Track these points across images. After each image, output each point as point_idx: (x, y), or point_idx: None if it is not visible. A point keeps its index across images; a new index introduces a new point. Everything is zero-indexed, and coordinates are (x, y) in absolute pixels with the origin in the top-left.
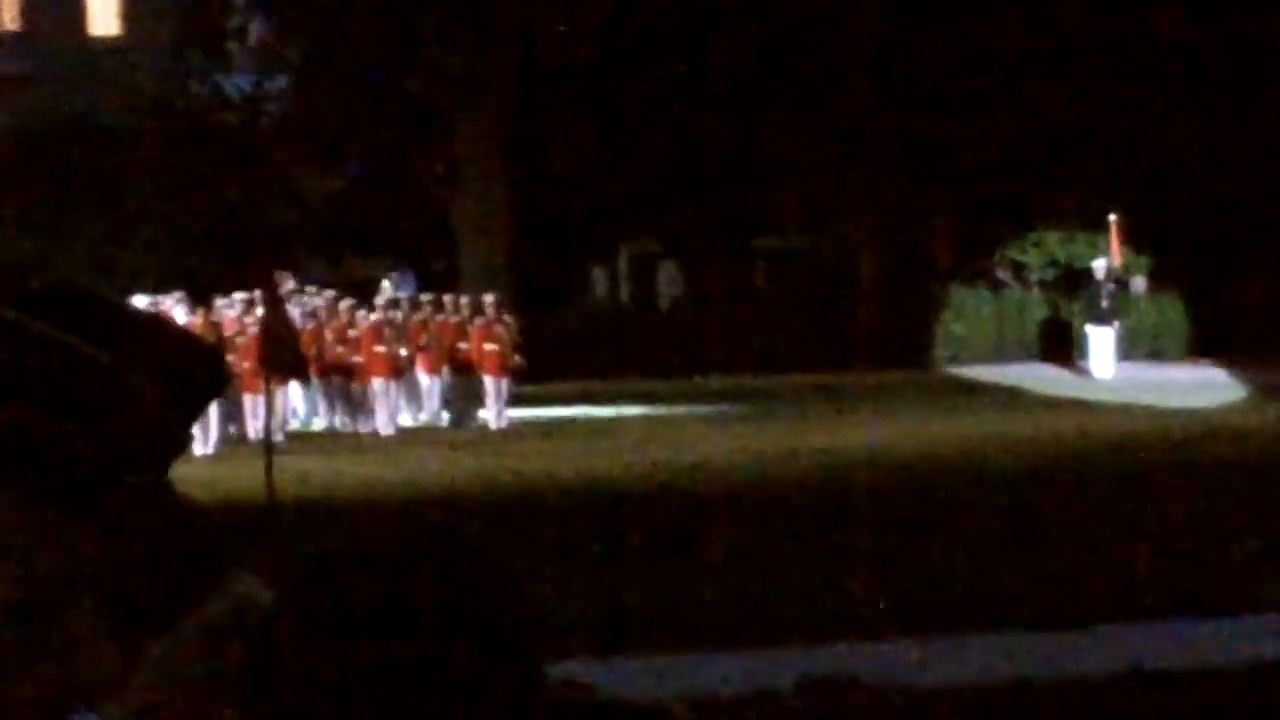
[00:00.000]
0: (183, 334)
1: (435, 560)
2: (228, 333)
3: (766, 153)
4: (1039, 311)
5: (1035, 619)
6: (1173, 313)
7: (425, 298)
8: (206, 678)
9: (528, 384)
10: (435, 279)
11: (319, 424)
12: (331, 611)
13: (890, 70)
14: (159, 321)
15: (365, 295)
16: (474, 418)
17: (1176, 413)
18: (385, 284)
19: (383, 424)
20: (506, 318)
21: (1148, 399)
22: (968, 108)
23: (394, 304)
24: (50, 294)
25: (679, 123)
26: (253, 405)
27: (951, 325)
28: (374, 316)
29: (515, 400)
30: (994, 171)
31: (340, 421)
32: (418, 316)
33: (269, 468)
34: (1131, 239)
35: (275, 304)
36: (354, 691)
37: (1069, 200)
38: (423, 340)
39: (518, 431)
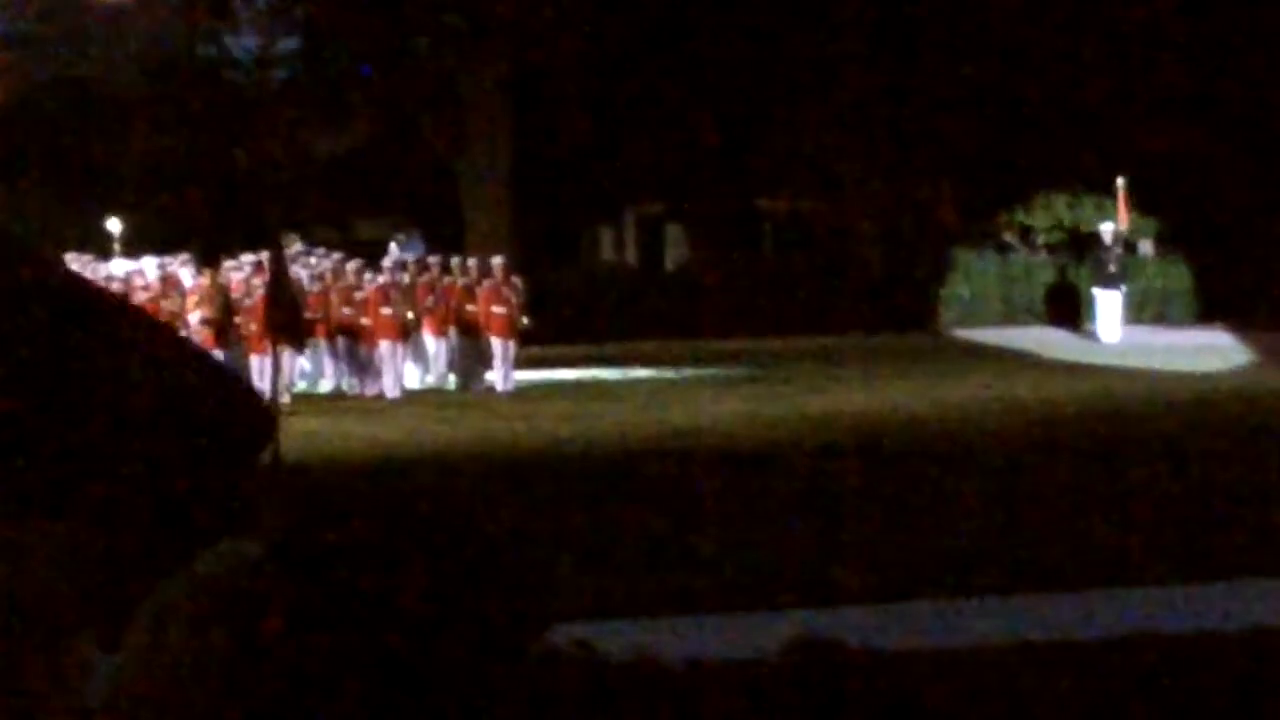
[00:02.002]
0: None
1: (434, 525)
2: (235, 294)
3: (771, 114)
4: (1045, 275)
5: (1036, 582)
6: (1180, 277)
7: (432, 260)
8: (195, 645)
9: (534, 346)
10: (442, 241)
11: (325, 386)
12: (327, 579)
13: (894, 31)
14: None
15: (372, 257)
16: (480, 380)
17: (1183, 376)
18: (392, 246)
19: (389, 386)
20: (514, 280)
21: (1154, 363)
22: (974, 70)
23: (401, 266)
24: (43, 285)
25: (685, 85)
26: (259, 366)
27: (957, 288)
28: (381, 278)
29: (522, 362)
30: (1000, 133)
31: (347, 383)
32: (424, 278)
33: (275, 429)
34: (1138, 202)
35: (278, 267)
36: (354, 642)
37: (1076, 163)
38: (429, 302)
39: (524, 394)
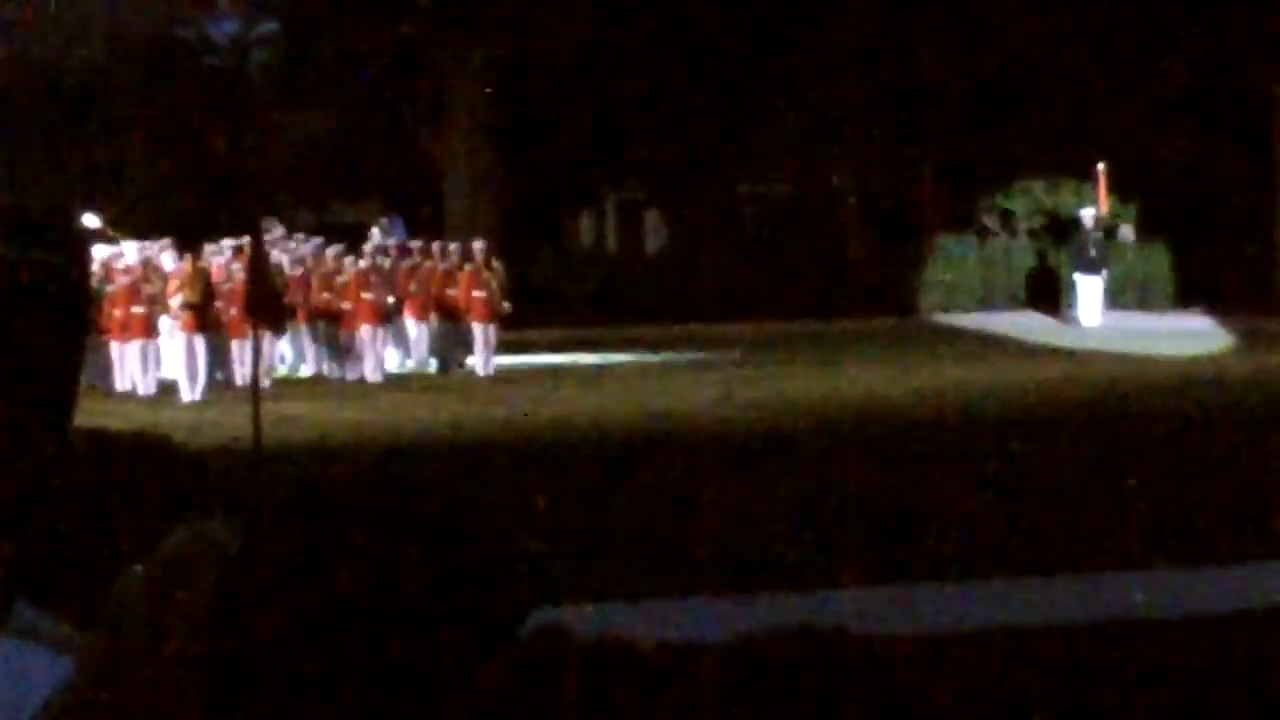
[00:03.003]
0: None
1: (416, 510)
2: (215, 279)
3: (753, 100)
4: (1026, 260)
5: (1020, 566)
6: (1159, 262)
7: (413, 244)
8: (158, 622)
9: (515, 330)
10: (423, 226)
11: (306, 370)
12: (310, 560)
13: (876, 18)
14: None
15: (353, 242)
16: (461, 364)
17: (1162, 361)
18: (374, 230)
19: (370, 370)
20: (495, 264)
21: (1134, 348)
22: (955, 55)
23: (382, 250)
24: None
25: (666, 70)
26: (240, 351)
27: (938, 273)
28: (361, 263)
29: (502, 347)
30: (981, 119)
31: (327, 368)
32: (406, 263)
33: (256, 413)
34: (1118, 188)
35: (258, 251)
36: (336, 629)
37: (1056, 148)
38: (410, 287)
39: (505, 378)
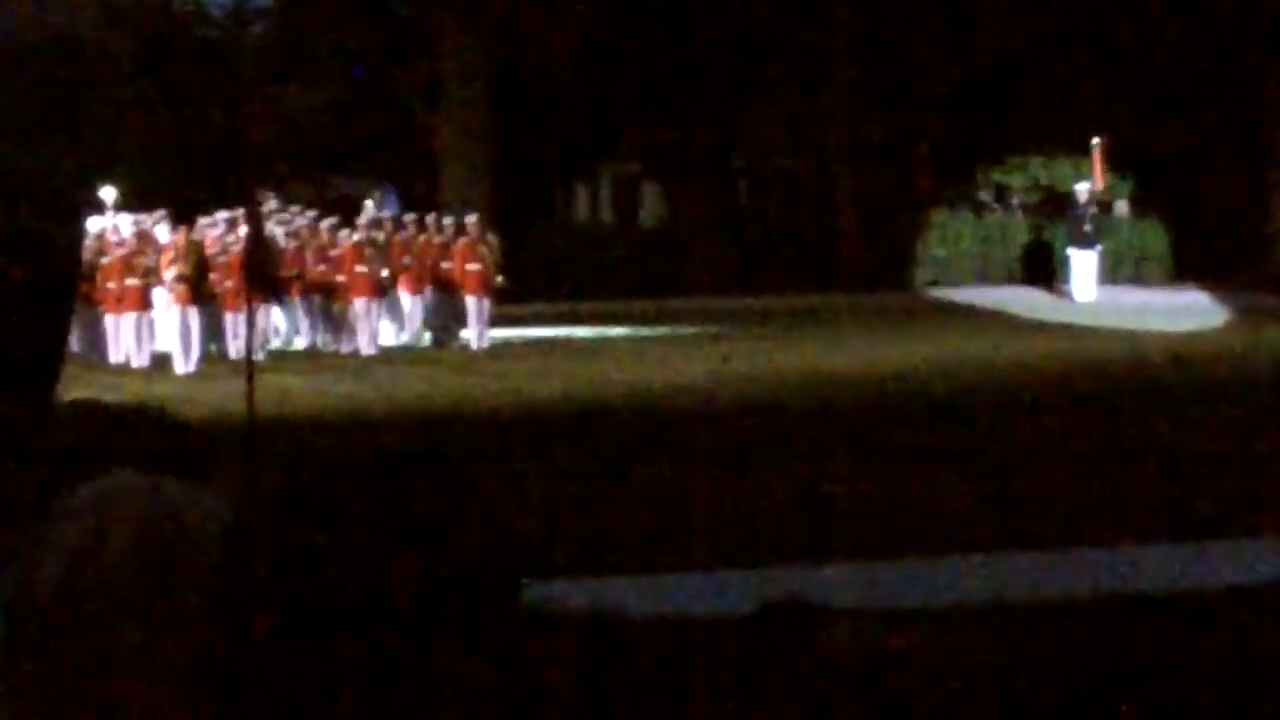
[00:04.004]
0: None
1: (412, 488)
2: (210, 251)
3: (749, 75)
4: (1021, 234)
5: (1014, 540)
6: (1155, 237)
7: (408, 217)
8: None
9: (509, 304)
10: (418, 199)
11: (300, 343)
12: (308, 531)
13: None
14: None
15: (347, 215)
16: (456, 337)
17: (1158, 336)
18: (368, 204)
19: (364, 344)
20: (489, 238)
21: (1129, 323)
22: (951, 29)
23: (376, 224)
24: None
25: (661, 43)
26: (234, 323)
27: (933, 248)
28: (356, 236)
29: (497, 320)
30: (977, 93)
31: (322, 341)
32: (400, 236)
33: (250, 386)
34: (1114, 163)
35: (255, 223)
36: (328, 610)
37: (1052, 124)
38: (405, 260)
39: (499, 351)
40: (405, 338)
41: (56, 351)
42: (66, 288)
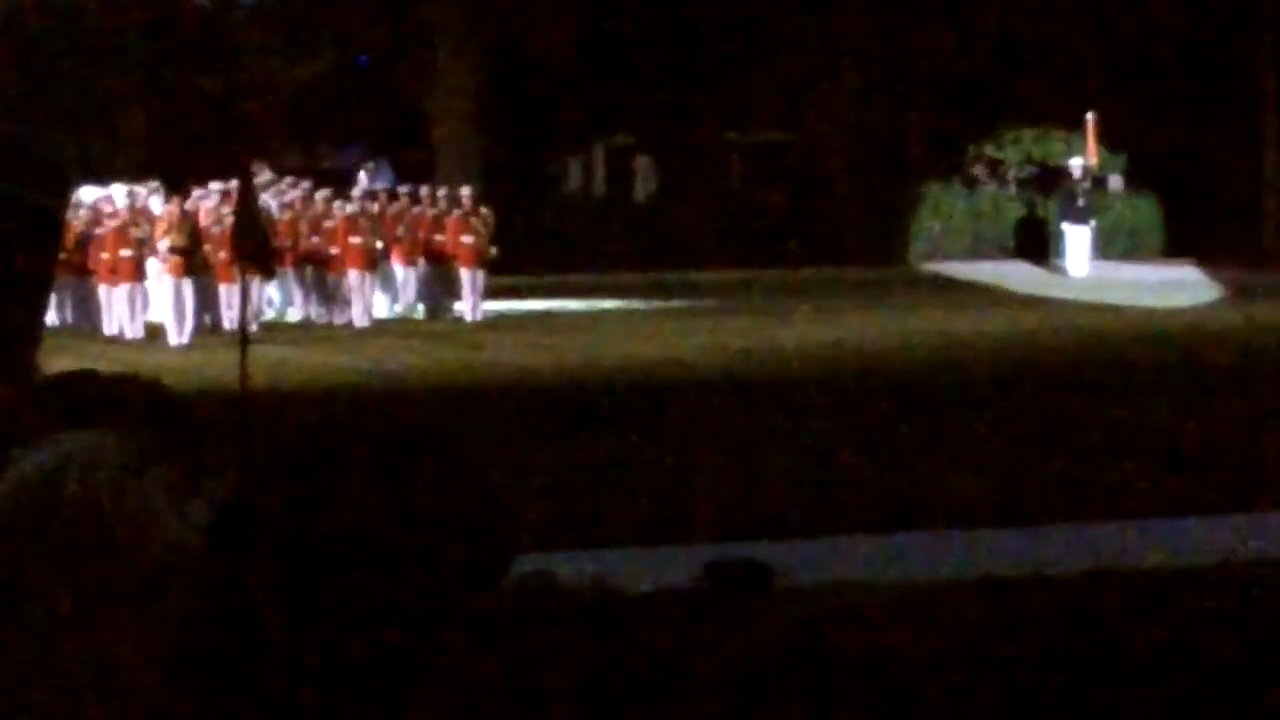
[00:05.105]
0: None
1: (410, 454)
2: (203, 223)
3: (741, 47)
4: (1014, 209)
5: (1003, 516)
6: (1148, 212)
7: (402, 189)
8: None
9: (503, 276)
10: (411, 171)
11: (294, 315)
12: (305, 501)
13: None
14: None
15: (341, 186)
16: (449, 309)
17: (1150, 312)
18: (361, 175)
19: (358, 315)
20: (483, 210)
21: (1122, 298)
22: (945, 3)
23: (370, 195)
24: None
25: (654, 16)
26: (228, 295)
27: (926, 222)
28: (349, 208)
29: (490, 293)
30: (970, 67)
31: (315, 312)
32: (393, 208)
33: (243, 357)
34: (1107, 138)
35: (247, 194)
36: (324, 575)
37: (1045, 98)
38: (398, 232)
39: (492, 324)
40: (399, 309)
41: (36, 317)
42: (47, 253)
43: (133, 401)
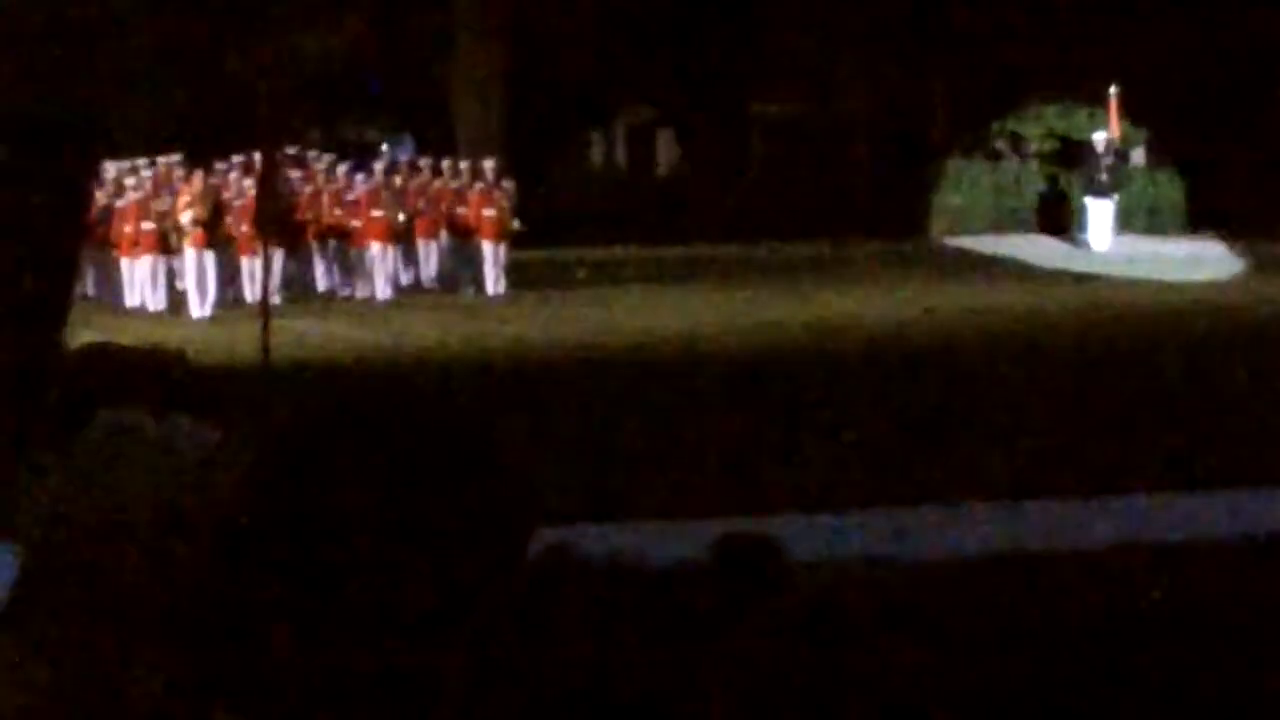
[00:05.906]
0: None
1: (427, 427)
2: (226, 195)
3: (765, 21)
4: (1037, 184)
5: (1031, 489)
6: (1171, 186)
7: (424, 162)
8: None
9: (524, 250)
10: (433, 144)
11: (317, 287)
12: (321, 472)
13: None
14: None
15: (363, 159)
16: (470, 283)
17: (1173, 286)
18: (384, 148)
19: (379, 288)
20: (505, 183)
21: (1144, 272)
22: None
23: (392, 168)
24: None
25: None
26: (250, 267)
27: (949, 196)
28: (372, 181)
29: (511, 266)
30: (993, 41)
31: (337, 285)
32: (415, 181)
33: (265, 330)
34: (1130, 112)
35: (271, 167)
36: (340, 551)
37: (1069, 72)
38: (420, 205)
39: (514, 297)
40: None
41: (65, 292)
42: (75, 226)
43: (156, 375)
